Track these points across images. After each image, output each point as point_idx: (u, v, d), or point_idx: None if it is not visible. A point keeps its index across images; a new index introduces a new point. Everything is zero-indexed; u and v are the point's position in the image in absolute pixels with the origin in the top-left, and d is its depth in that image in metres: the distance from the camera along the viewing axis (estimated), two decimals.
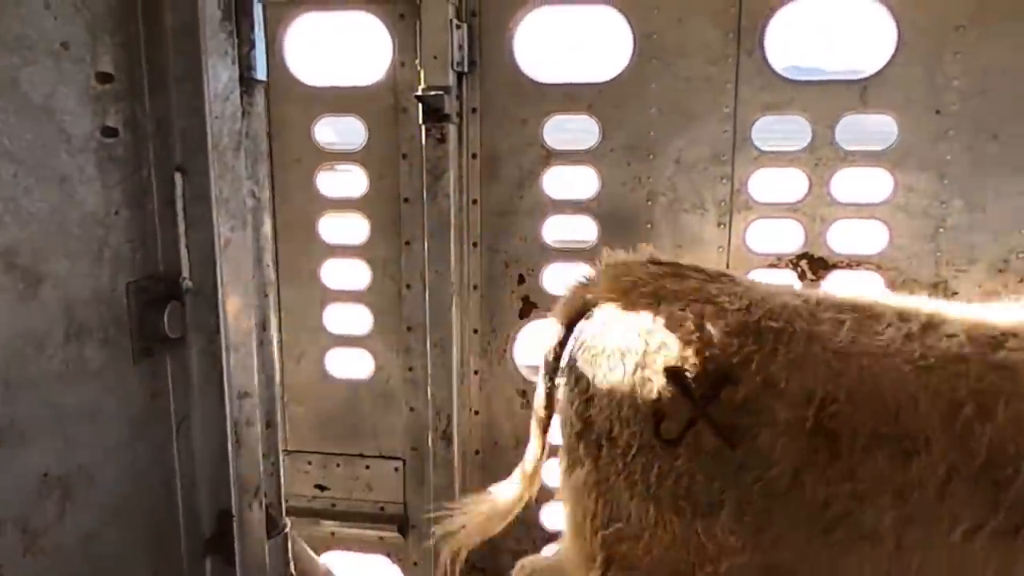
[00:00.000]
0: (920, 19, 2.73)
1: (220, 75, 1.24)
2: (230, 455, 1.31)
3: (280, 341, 3.36)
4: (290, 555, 1.55)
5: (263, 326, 1.43)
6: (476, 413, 3.28)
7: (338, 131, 3.38)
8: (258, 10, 1.33)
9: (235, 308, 1.30)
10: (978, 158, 2.77)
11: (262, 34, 1.35)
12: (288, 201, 3.24)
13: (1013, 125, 2.72)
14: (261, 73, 1.36)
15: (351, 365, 3.40)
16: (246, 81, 1.33)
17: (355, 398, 3.37)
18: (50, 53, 1.02)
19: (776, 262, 2.98)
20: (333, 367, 3.39)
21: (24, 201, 0.96)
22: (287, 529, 1.54)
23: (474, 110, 3.05)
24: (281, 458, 1.51)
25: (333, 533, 3.46)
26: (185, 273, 1.25)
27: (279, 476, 1.49)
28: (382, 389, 3.33)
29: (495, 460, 3.31)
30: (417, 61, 2.89)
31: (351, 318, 3.34)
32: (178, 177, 1.22)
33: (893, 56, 2.78)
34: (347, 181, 3.36)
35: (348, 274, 3.33)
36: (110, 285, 1.14)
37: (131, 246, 1.18)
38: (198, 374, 1.28)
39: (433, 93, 2.83)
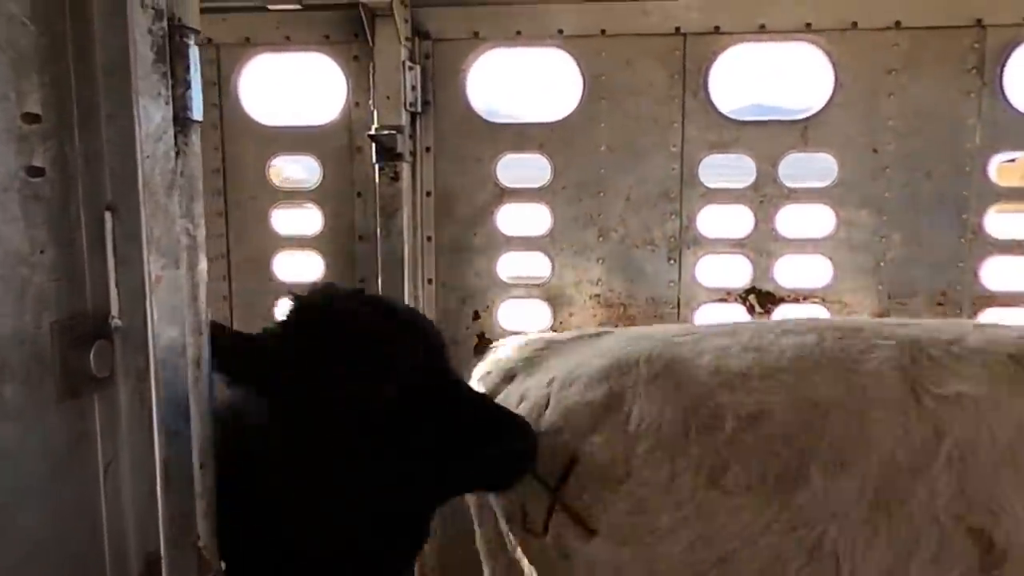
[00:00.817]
0: (855, 63, 2.85)
1: (152, 115, 1.25)
2: (159, 496, 1.29)
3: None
4: None
5: (197, 363, 1.42)
6: None
7: (307, 168, 3.38)
8: (194, 52, 1.35)
9: (166, 346, 1.29)
10: (914, 194, 2.88)
11: (199, 76, 1.37)
12: (243, 239, 3.24)
13: (945, 163, 2.83)
14: (197, 113, 1.37)
15: None
16: (181, 121, 1.34)
17: None
18: None
19: (726, 296, 3.04)
20: None
21: None
22: (220, 572, 1.51)
23: (428, 149, 3.09)
24: (214, 498, 1.49)
25: None
26: (114, 312, 1.24)
27: (212, 517, 1.47)
28: None
29: None
30: (371, 101, 2.94)
31: None
32: (108, 215, 1.22)
33: (831, 97, 2.89)
34: (302, 219, 3.37)
35: None
36: (33, 323, 1.12)
37: (57, 284, 1.17)
38: (127, 414, 1.27)
39: (386, 132, 2.87)
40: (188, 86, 1.35)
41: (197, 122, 1.39)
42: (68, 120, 1.20)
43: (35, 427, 1.14)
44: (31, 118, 1.13)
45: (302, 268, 3.31)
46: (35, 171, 1.14)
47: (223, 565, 1.54)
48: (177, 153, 1.33)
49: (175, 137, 1.32)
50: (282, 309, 3.01)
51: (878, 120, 2.86)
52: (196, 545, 1.40)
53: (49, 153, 1.16)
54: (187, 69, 1.34)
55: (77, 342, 1.20)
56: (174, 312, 1.32)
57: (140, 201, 1.23)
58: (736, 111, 3.13)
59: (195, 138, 1.39)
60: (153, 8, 1.25)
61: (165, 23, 1.28)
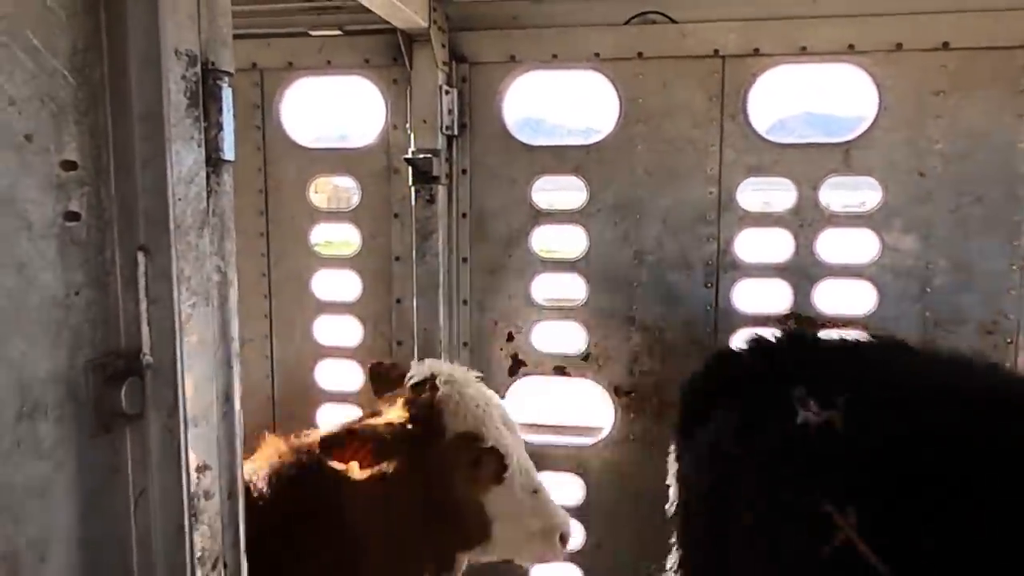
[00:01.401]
0: (900, 85, 2.78)
1: (185, 159, 1.28)
2: (187, 528, 1.32)
3: (273, 396, 3.39)
4: None
5: (226, 397, 1.45)
6: None
7: None
8: (227, 94, 1.39)
9: (195, 382, 1.32)
10: (962, 220, 2.79)
11: (231, 116, 1.41)
12: (283, 258, 3.30)
13: (995, 187, 2.74)
14: (229, 154, 1.40)
15: (344, 422, 3.40)
16: (213, 162, 1.38)
17: None
18: (13, 146, 1.07)
19: (764, 322, 2.99)
20: (326, 423, 3.40)
21: None
22: None
23: (464, 171, 3.12)
24: (243, 527, 1.52)
25: None
26: (146, 349, 1.27)
27: (240, 546, 1.50)
28: None
29: None
30: (408, 124, 2.97)
31: (343, 374, 3.37)
32: (140, 256, 1.26)
33: (875, 120, 2.82)
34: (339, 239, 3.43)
35: (340, 330, 3.37)
36: (68, 363, 1.16)
37: (91, 325, 1.21)
38: (157, 449, 1.30)
39: (422, 156, 2.90)
40: (220, 128, 1.38)
41: (229, 162, 1.42)
42: (104, 166, 1.24)
43: (68, 464, 1.18)
44: (69, 165, 1.17)
45: (340, 287, 3.36)
46: (72, 216, 1.18)
47: None
48: (209, 193, 1.37)
49: (207, 178, 1.36)
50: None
51: (925, 143, 2.78)
52: (223, 575, 1.43)
53: (85, 198, 1.20)
54: (220, 111, 1.38)
55: (110, 380, 1.23)
56: (203, 347, 1.35)
57: (171, 242, 1.26)
58: (787, 120, 3.08)
59: (227, 177, 1.43)
60: (187, 55, 1.29)
61: (199, 68, 1.32)
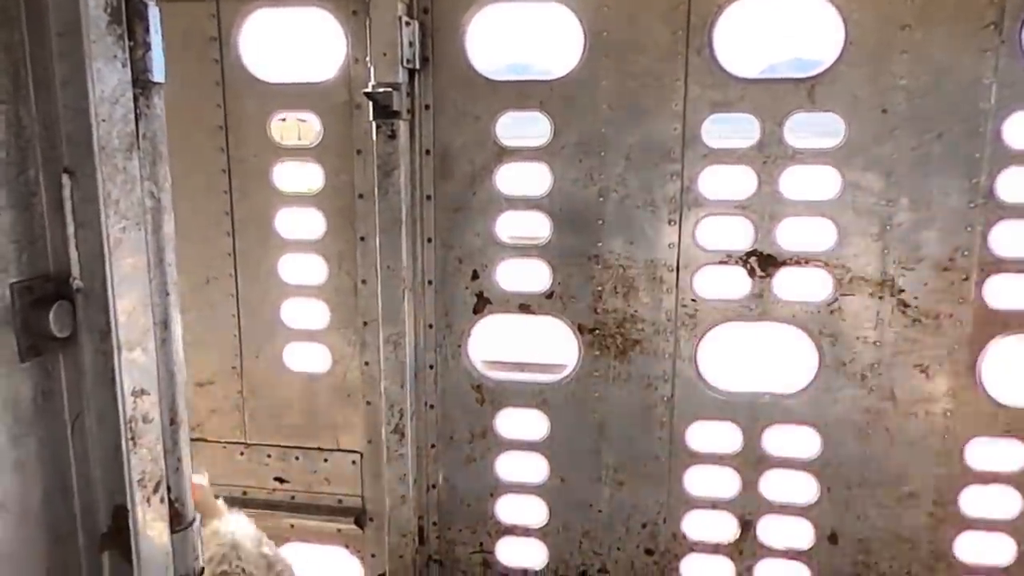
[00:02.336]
0: (867, 18, 2.74)
1: (107, 79, 1.25)
2: (125, 452, 1.33)
3: (239, 335, 3.40)
4: (199, 549, 1.57)
5: (165, 325, 1.45)
6: (431, 407, 3.31)
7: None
8: (154, 13, 1.34)
9: (128, 307, 1.32)
10: (923, 157, 2.79)
11: (160, 37, 1.37)
12: (245, 197, 3.27)
13: (957, 124, 2.73)
14: (159, 76, 1.37)
15: (309, 359, 3.43)
16: (142, 83, 1.34)
17: (313, 392, 3.40)
18: None
19: (726, 259, 3.01)
20: (292, 361, 3.42)
21: None
22: (195, 524, 1.56)
23: (427, 107, 3.07)
24: (188, 453, 1.53)
25: (292, 525, 3.49)
26: (75, 273, 1.26)
27: (184, 471, 1.51)
28: (339, 383, 3.36)
29: (450, 453, 3.34)
30: (368, 58, 2.91)
31: (308, 313, 3.37)
32: (66, 179, 1.23)
33: (840, 55, 2.79)
34: (303, 175, 3.38)
35: (305, 269, 3.36)
36: None
37: (16, 247, 1.19)
38: (91, 373, 1.30)
39: (382, 90, 2.84)
40: (148, 48, 1.34)
41: (159, 84, 1.39)
42: (23, 84, 1.21)
43: None
44: None
45: (303, 224, 3.33)
46: None
47: (198, 517, 1.60)
48: (138, 116, 1.34)
49: (135, 99, 1.33)
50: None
51: (889, 79, 2.76)
52: (166, 499, 1.45)
53: (3, 117, 1.18)
54: (147, 30, 1.34)
55: (38, 303, 1.23)
56: (136, 272, 1.34)
57: (96, 164, 1.24)
58: (777, 66, 3.03)
59: (158, 100, 1.39)
60: None
61: None
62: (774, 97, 2.85)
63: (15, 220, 1.20)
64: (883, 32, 2.74)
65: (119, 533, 1.35)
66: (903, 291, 2.88)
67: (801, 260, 2.95)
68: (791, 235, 2.96)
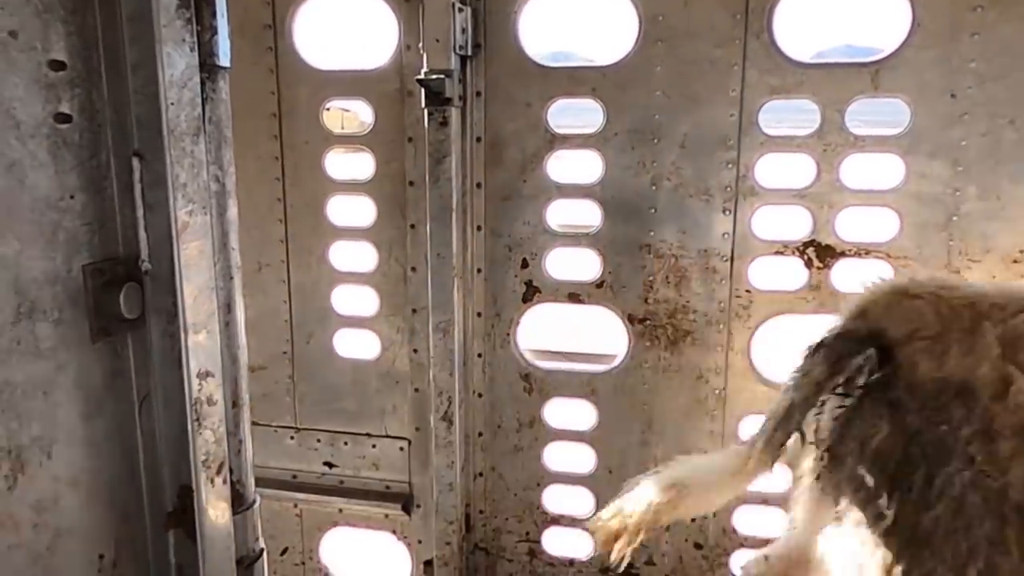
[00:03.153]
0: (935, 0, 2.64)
1: (176, 62, 1.26)
2: (190, 433, 1.35)
3: (291, 321, 3.44)
4: (259, 530, 1.59)
5: (228, 308, 1.46)
6: (479, 396, 3.31)
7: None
8: None
9: (194, 290, 1.33)
10: (994, 144, 2.67)
11: (225, 22, 1.37)
12: (297, 184, 3.29)
13: None
14: (224, 60, 1.38)
15: (359, 346, 3.46)
16: (208, 68, 1.35)
17: (362, 378, 3.43)
18: None
19: (782, 249, 2.93)
20: (341, 347, 3.45)
21: None
22: (256, 504, 1.59)
23: (478, 93, 3.05)
24: (249, 436, 1.55)
25: (341, 509, 3.53)
26: (144, 256, 1.28)
27: (246, 453, 1.53)
28: (388, 370, 3.38)
29: (497, 442, 3.34)
30: (420, 44, 2.90)
31: (358, 300, 3.39)
32: (135, 162, 1.25)
33: (907, 38, 2.69)
34: (355, 164, 3.40)
35: (355, 256, 3.38)
36: (65, 267, 1.17)
37: (88, 229, 1.21)
38: (158, 354, 1.32)
39: (435, 77, 2.83)
40: (215, 32, 1.35)
41: (225, 69, 1.40)
42: (95, 68, 1.22)
43: (69, 365, 1.21)
44: (57, 65, 1.16)
45: (354, 212, 3.35)
46: (63, 118, 1.17)
47: (259, 498, 1.62)
48: (204, 100, 1.35)
49: (202, 84, 1.34)
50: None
51: (958, 62, 2.65)
52: (228, 480, 1.47)
53: (76, 101, 1.19)
54: (213, 15, 1.35)
55: (108, 285, 1.25)
56: (202, 256, 1.35)
57: (165, 147, 1.25)
58: (826, 52, 2.94)
59: (223, 84, 1.41)
60: None
61: None
62: (836, 82, 2.76)
63: (87, 203, 1.22)
64: (953, 13, 2.63)
65: (184, 512, 1.38)
66: None
67: (861, 251, 2.86)
68: (851, 225, 2.87)
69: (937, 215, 2.76)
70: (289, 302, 3.41)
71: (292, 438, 3.54)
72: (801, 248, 2.90)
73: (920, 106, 2.71)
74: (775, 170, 2.91)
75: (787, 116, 3.04)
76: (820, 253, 2.89)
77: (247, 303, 3.31)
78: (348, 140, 3.32)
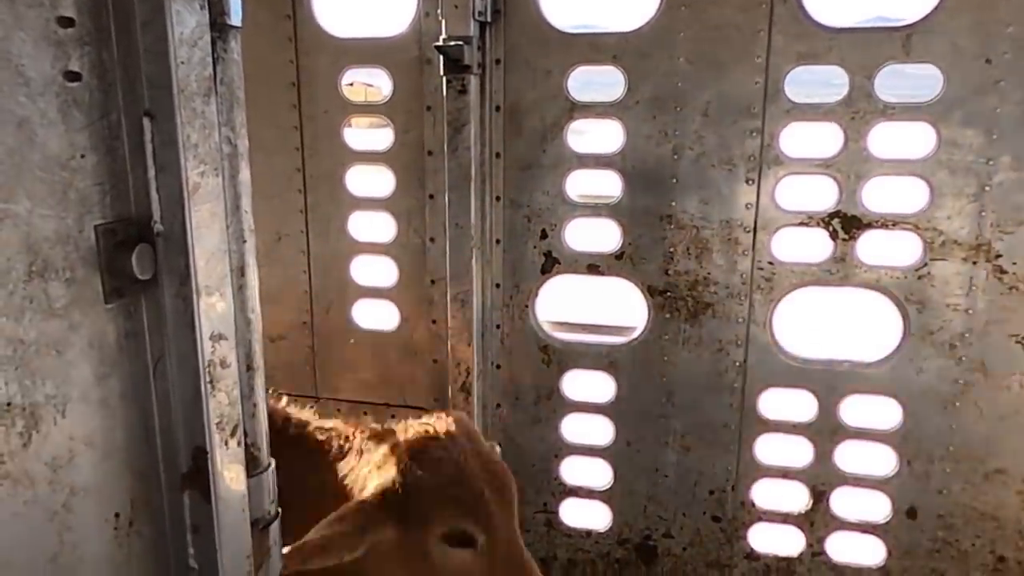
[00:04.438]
0: None
1: (186, 20, 1.24)
2: (204, 395, 1.35)
3: (310, 291, 3.45)
4: (274, 494, 1.60)
5: (241, 272, 1.45)
6: (497, 367, 3.30)
7: None
8: None
9: (206, 252, 1.32)
10: None
11: None
12: (316, 153, 3.29)
13: None
14: (236, 19, 1.35)
15: (378, 316, 3.46)
16: (219, 27, 1.33)
17: (381, 349, 3.44)
18: None
19: (807, 220, 2.87)
20: (360, 318, 3.46)
21: None
22: (271, 468, 1.59)
23: (498, 61, 3.00)
24: (264, 400, 1.55)
25: None
26: (156, 217, 1.27)
27: (260, 417, 1.54)
28: (407, 341, 3.39)
29: (516, 413, 3.34)
30: (439, 10, 2.86)
31: (377, 270, 3.39)
32: (146, 122, 1.24)
33: (940, 1, 2.60)
34: (374, 134, 3.38)
35: (374, 226, 3.37)
36: (77, 226, 1.17)
37: (99, 189, 1.21)
38: (171, 316, 1.32)
39: (453, 44, 2.79)
40: None
41: (236, 28, 1.38)
42: (104, 26, 1.21)
43: (83, 325, 1.21)
44: (66, 22, 1.14)
45: (373, 182, 3.34)
46: (73, 76, 1.16)
47: (273, 462, 1.62)
48: (215, 60, 1.33)
49: (212, 43, 1.32)
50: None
51: (995, 26, 2.56)
52: (243, 443, 1.47)
53: (86, 59, 1.18)
54: None
55: (121, 245, 1.24)
56: (214, 218, 1.34)
57: (175, 107, 1.24)
58: (857, 24, 2.86)
59: (234, 44, 1.38)
60: None
61: None
62: (865, 48, 2.67)
63: (98, 163, 1.21)
64: None
65: (199, 474, 1.38)
66: (1000, 256, 2.71)
67: (888, 222, 2.80)
68: (878, 196, 2.80)
69: (969, 185, 2.69)
70: (308, 272, 3.41)
71: (312, 407, 3.56)
72: (826, 219, 2.84)
73: (953, 72, 2.62)
74: (801, 139, 2.83)
75: (813, 91, 2.97)
76: (846, 224, 2.83)
77: (267, 273, 3.35)
78: (366, 109, 3.30)
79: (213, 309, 1.36)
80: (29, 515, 1.14)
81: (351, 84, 3.29)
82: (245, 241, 1.47)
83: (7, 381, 1.08)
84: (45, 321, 1.13)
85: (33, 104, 1.09)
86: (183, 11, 1.23)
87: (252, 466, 1.53)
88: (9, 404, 1.08)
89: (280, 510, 1.64)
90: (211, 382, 1.37)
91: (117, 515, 1.31)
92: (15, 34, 1.06)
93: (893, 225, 2.79)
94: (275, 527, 1.60)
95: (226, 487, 1.41)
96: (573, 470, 3.36)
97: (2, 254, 1.06)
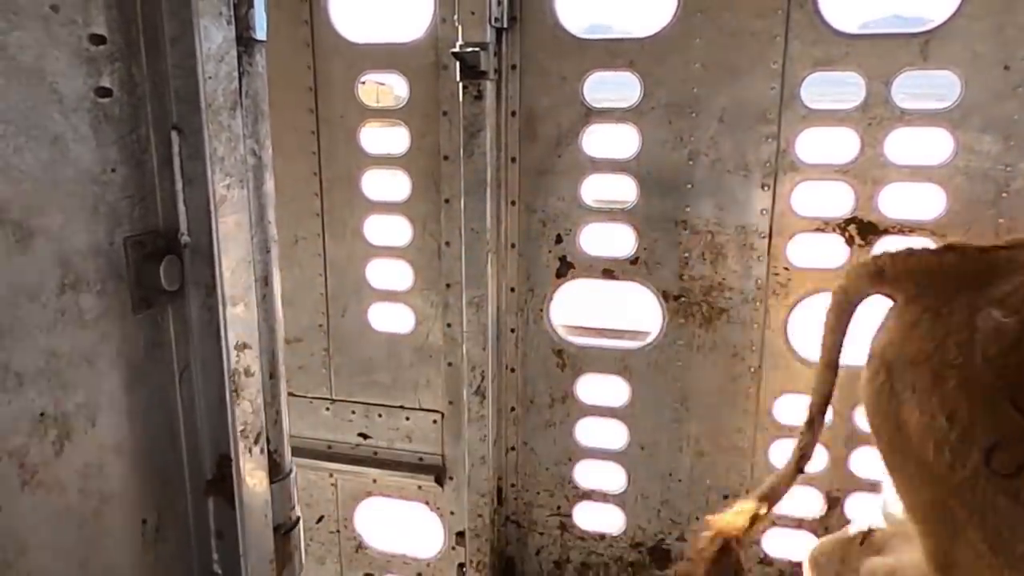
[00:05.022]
0: None
1: (213, 36, 1.26)
2: (228, 403, 1.37)
3: (326, 294, 3.48)
4: (295, 499, 1.62)
5: (265, 281, 1.48)
6: (512, 371, 3.32)
7: None
8: None
9: (232, 263, 1.35)
10: None
11: None
12: (332, 157, 3.31)
13: None
14: (261, 33, 1.38)
15: (393, 319, 3.48)
16: (245, 41, 1.36)
17: (397, 352, 3.46)
18: (39, 17, 1.06)
19: (823, 226, 2.87)
20: (376, 321, 3.48)
21: (14, 159, 1.02)
22: (292, 474, 1.61)
23: (514, 67, 3.02)
24: (286, 406, 1.58)
25: (375, 480, 3.59)
26: (183, 229, 1.30)
27: (283, 424, 1.56)
28: (422, 344, 3.41)
29: (530, 417, 3.35)
30: (456, 16, 2.87)
31: (393, 273, 3.41)
32: (175, 136, 1.26)
33: (959, 6, 2.59)
34: (390, 137, 3.40)
35: (390, 230, 3.40)
36: (107, 239, 1.20)
37: (128, 202, 1.23)
38: (197, 326, 1.34)
39: (470, 50, 2.81)
40: (251, 5, 1.35)
41: (261, 42, 1.40)
42: (134, 42, 1.23)
43: (112, 336, 1.23)
44: (98, 39, 1.17)
45: (389, 186, 3.36)
46: (103, 92, 1.18)
47: (295, 468, 1.65)
48: (241, 74, 1.35)
49: (238, 58, 1.34)
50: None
51: (1014, 31, 2.55)
52: (266, 450, 1.50)
53: (117, 75, 1.21)
54: None
55: (149, 257, 1.27)
56: (240, 230, 1.37)
57: (203, 121, 1.26)
58: (871, 23, 2.86)
59: (259, 58, 1.41)
60: None
61: None
62: (882, 54, 2.67)
63: (128, 176, 1.24)
64: None
65: (223, 480, 1.41)
66: None
67: (905, 228, 2.79)
68: (895, 202, 2.79)
69: (987, 191, 2.68)
70: (325, 275, 3.44)
71: (327, 409, 3.60)
72: (842, 225, 2.84)
73: (972, 78, 2.61)
74: (816, 145, 2.83)
75: (829, 90, 2.96)
76: (862, 230, 2.83)
77: (283, 276, 3.37)
78: (383, 114, 3.32)
79: (238, 319, 1.38)
80: (61, 522, 1.17)
81: (363, 83, 3.31)
82: (269, 251, 1.49)
83: (40, 392, 1.10)
84: (77, 333, 1.16)
85: (66, 120, 1.12)
86: (210, 27, 1.26)
87: (275, 472, 1.56)
88: (43, 414, 1.11)
89: (300, 515, 1.67)
90: (236, 390, 1.39)
91: (144, 521, 1.34)
92: (50, 52, 1.08)
93: (910, 231, 2.78)
94: (296, 532, 1.62)
95: (250, 493, 1.44)
96: (587, 474, 3.37)
97: (36, 269, 1.08)
